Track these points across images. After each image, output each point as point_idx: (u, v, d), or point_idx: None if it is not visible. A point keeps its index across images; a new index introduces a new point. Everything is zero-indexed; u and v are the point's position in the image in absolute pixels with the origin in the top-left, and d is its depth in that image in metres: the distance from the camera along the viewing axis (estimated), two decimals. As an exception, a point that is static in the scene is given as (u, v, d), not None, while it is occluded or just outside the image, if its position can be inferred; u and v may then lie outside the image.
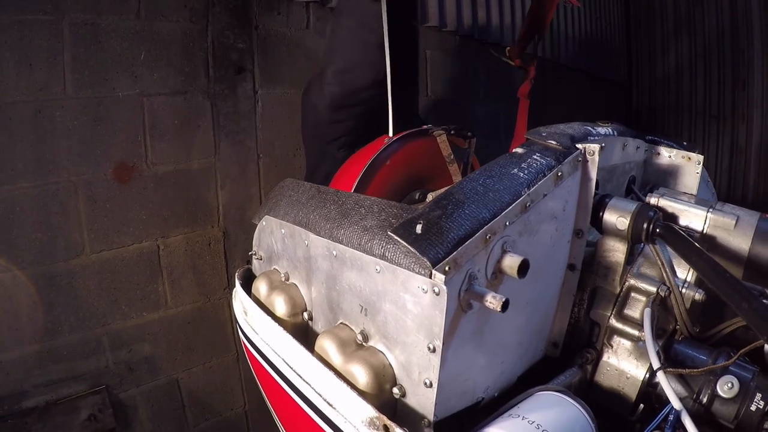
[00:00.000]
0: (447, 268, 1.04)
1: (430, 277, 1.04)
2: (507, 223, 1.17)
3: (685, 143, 2.08)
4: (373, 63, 2.25)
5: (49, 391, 2.83)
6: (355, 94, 2.37)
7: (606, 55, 7.64)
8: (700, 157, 1.96)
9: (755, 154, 7.01)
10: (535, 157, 1.33)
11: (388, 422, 1.07)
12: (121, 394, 3.10)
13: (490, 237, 1.13)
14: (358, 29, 2.27)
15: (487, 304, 1.04)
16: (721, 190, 6.58)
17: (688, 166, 1.98)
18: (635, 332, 1.44)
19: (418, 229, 1.10)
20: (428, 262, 1.04)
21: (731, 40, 7.11)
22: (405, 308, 1.12)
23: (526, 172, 1.27)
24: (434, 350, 1.08)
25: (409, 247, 1.08)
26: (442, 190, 2.01)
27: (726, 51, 7.19)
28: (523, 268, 1.12)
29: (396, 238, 1.11)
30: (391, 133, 2.17)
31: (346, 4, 2.35)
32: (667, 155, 2.00)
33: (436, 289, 1.03)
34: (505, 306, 1.02)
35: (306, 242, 1.42)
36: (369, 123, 2.38)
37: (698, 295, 1.44)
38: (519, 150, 1.38)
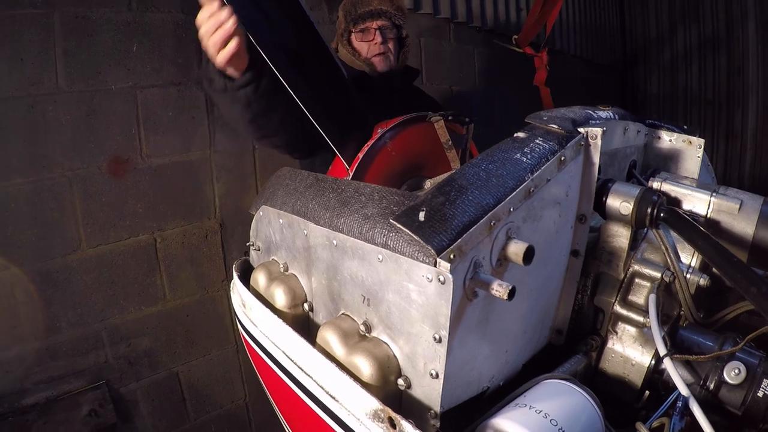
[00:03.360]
0: (452, 256, 1.01)
1: (435, 266, 1.02)
2: (511, 209, 1.15)
3: (685, 127, 2.06)
4: (292, 136, 2.25)
5: (49, 387, 2.82)
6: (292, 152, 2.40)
7: (601, 41, 7.62)
8: (701, 141, 1.94)
9: (751, 140, 7.03)
10: (537, 141, 1.30)
11: (393, 414, 1.05)
12: (121, 389, 3.09)
13: (494, 223, 1.11)
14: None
15: (494, 292, 1.02)
16: (718, 175, 6.59)
17: (689, 150, 1.96)
18: (640, 318, 1.42)
19: (421, 216, 1.08)
20: (432, 250, 1.01)
21: (726, 26, 7.11)
22: (409, 298, 1.10)
23: (529, 156, 1.25)
24: (440, 340, 1.06)
25: (412, 234, 1.05)
26: (441, 176, 2.00)
27: (721, 37, 7.19)
28: (529, 255, 1.10)
29: (398, 226, 1.09)
30: (348, 166, 2.09)
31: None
32: (668, 139, 1.98)
33: (442, 278, 1.01)
34: (511, 294, 1.00)
35: (305, 232, 1.40)
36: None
37: (703, 281, 1.42)
38: (521, 134, 1.35)
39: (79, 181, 2.84)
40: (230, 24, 1.70)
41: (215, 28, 1.72)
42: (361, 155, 1.98)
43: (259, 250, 1.73)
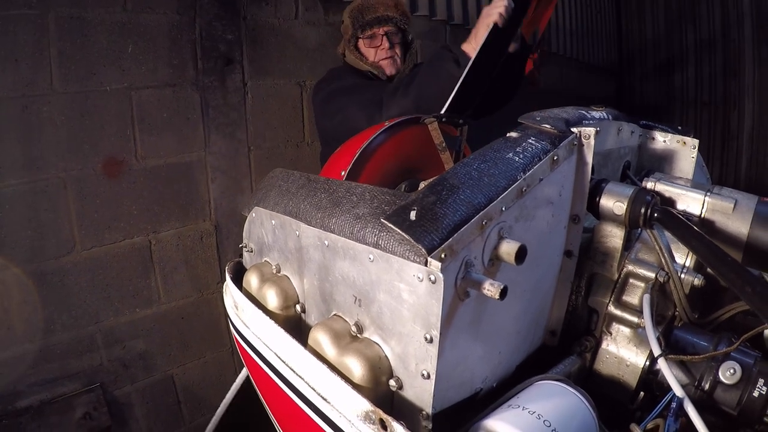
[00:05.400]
0: (443, 255, 1.01)
1: (426, 265, 1.01)
2: (503, 209, 1.14)
3: (679, 127, 2.06)
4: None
5: (43, 390, 2.80)
6: None
7: (597, 43, 7.62)
8: (695, 142, 1.94)
9: (747, 142, 7.05)
10: (530, 141, 1.30)
11: (384, 416, 1.04)
12: (116, 392, 3.08)
13: (486, 223, 1.10)
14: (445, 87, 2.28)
15: (485, 291, 1.01)
16: (714, 177, 6.56)
17: (683, 150, 1.95)
18: (634, 319, 1.41)
19: (412, 215, 1.07)
20: (423, 250, 1.01)
21: (722, 28, 7.12)
22: (400, 298, 1.09)
23: (521, 156, 1.24)
24: (431, 340, 1.05)
25: (403, 234, 1.05)
26: (434, 178, 1.98)
27: (717, 39, 7.21)
28: (521, 255, 1.09)
29: (389, 225, 1.08)
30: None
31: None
32: (662, 140, 1.97)
33: (432, 277, 1.00)
34: (503, 293, 0.99)
35: (297, 233, 1.39)
36: None
37: (697, 281, 1.42)
38: (513, 134, 1.35)
39: (73, 182, 2.83)
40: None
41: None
42: (353, 158, 1.96)
43: (251, 251, 1.73)
